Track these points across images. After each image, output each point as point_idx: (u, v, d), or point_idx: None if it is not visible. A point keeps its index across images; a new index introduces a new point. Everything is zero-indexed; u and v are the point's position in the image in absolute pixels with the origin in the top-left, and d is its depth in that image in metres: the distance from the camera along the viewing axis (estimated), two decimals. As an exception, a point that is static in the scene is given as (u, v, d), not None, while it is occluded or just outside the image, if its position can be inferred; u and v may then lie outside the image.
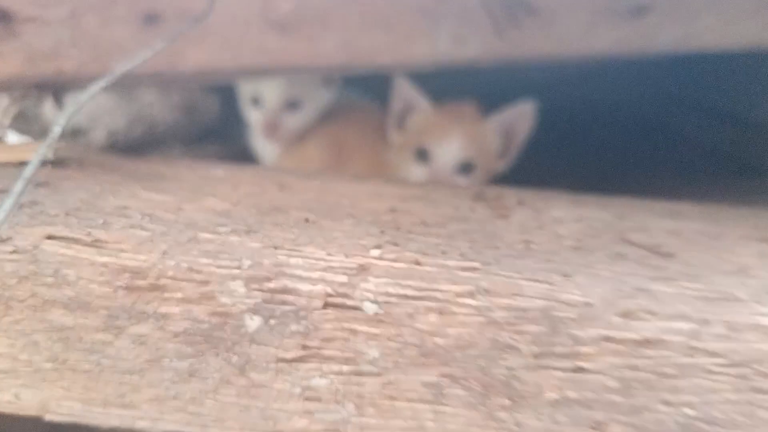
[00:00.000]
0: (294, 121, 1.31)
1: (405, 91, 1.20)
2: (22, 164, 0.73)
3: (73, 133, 1.65)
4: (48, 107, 1.38)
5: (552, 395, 0.49)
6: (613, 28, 1.17)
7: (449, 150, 1.16)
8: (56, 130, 0.66)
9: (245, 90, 1.34)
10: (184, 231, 0.55)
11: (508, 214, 0.68)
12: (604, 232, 0.65)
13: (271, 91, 1.28)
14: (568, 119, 1.90)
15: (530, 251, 0.58)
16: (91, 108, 1.69)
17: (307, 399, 0.51)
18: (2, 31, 0.87)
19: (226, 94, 1.72)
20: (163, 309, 0.52)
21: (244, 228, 0.57)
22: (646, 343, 0.49)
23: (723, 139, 2.03)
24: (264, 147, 1.44)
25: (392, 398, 0.51)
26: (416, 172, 1.18)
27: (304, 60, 1.01)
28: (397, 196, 0.73)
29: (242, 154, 1.84)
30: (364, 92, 1.53)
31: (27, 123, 1.69)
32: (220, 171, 0.77)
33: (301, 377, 0.51)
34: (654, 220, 0.70)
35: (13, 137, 1.42)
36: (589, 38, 1.16)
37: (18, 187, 0.53)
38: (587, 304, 0.50)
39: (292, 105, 1.29)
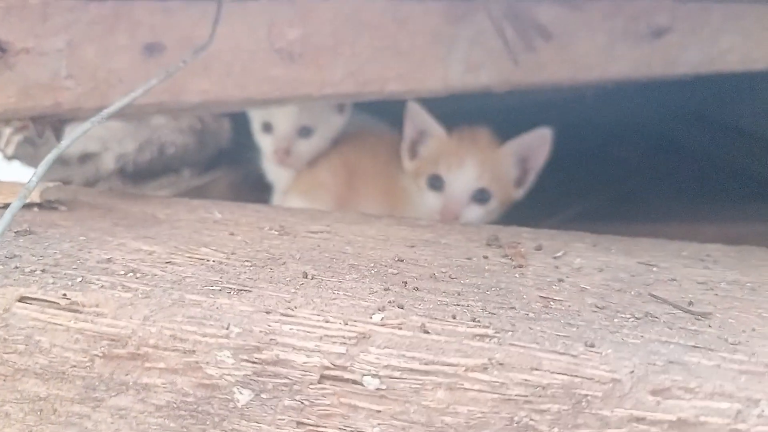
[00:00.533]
0: (306, 147, 1.28)
1: (418, 117, 1.17)
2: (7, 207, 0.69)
3: (82, 158, 1.63)
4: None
5: (575, 482, 0.44)
6: (632, 50, 1.13)
7: (464, 178, 1.12)
8: (40, 170, 0.62)
9: (257, 115, 1.31)
10: (169, 291, 0.50)
11: (524, 264, 0.62)
12: (630, 285, 0.59)
13: (283, 118, 1.25)
14: (584, 137, 1.84)
15: (550, 311, 0.52)
16: (100, 132, 1.67)
17: (303, 480, 0.46)
18: (-5, 63, 0.83)
19: (238, 116, 1.70)
20: (145, 380, 0.47)
21: (235, 286, 0.52)
22: (683, 425, 0.43)
23: (745, 158, 1.97)
24: (276, 172, 1.41)
25: (396, 481, 0.45)
26: (430, 200, 1.14)
27: (311, 89, 0.98)
28: (405, 241, 0.68)
29: (255, 178, 1.80)
30: (377, 115, 1.49)
31: (35, 149, 1.66)
32: (218, 213, 0.72)
33: (296, 456, 0.46)
34: (684, 269, 0.64)
35: (16, 167, 1.39)
36: (607, 61, 1.12)
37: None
38: (614, 380, 0.44)
39: (304, 131, 1.26)
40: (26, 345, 0.48)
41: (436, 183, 1.13)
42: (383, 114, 1.47)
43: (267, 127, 1.27)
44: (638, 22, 1.11)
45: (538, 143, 1.14)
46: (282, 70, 0.95)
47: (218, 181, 1.73)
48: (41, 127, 0.93)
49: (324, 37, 0.95)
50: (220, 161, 1.87)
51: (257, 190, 1.83)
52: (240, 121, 1.77)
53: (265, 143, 1.29)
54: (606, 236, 0.76)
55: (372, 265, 0.59)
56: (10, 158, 1.33)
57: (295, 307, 0.49)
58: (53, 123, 0.96)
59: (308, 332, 0.47)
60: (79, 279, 0.51)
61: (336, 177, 1.36)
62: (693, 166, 2.07)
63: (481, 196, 1.13)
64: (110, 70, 0.86)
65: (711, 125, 2.09)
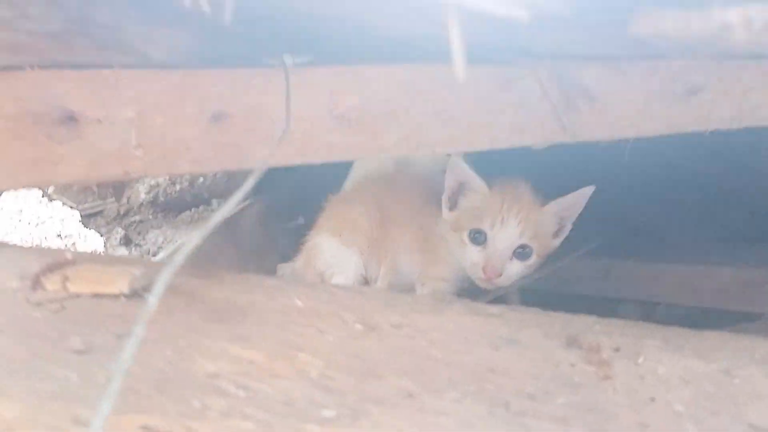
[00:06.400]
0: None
1: (460, 170, 1.19)
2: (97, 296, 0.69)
3: (115, 188, 1.63)
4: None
5: None
6: (667, 108, 1.15)
7: (508, 235, 1.15)
8: (159, 288, 0.58)
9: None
10: (287, 418, 0.51)
11: (611, 374, 0.64)
12: (721, 404, 0.60)
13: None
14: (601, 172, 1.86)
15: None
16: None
17: None
18: (68, 133, 0.84)
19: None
20: None
21: (347, 410, 0.53)
22: None
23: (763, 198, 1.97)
24: None
25: None
26: (473, 254, 1.17)
27: (366, 152, 0.99)
28: (485, 339, 0.68)
29: (280, 207, 1.81)
30: None
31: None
32: (298, 301, 0.73)
33: None
34: (765, 379, 0.66)
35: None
36: (643, 120, 1.14)
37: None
38: None
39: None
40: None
41: (478, 237, 1.16)
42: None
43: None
44: (675, 81, 1.13)
45: (579, 201, 1.18)
46: (339, 136, 0.96)
47: (247, 211, 1.73)
48: (104, 190, 0.94)
49: (380, 103, 0.97)
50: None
51: (283, 218, 1.84)
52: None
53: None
54: (672, 329, 0.76)
55: (467, 377, 0.60)
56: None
57: (412, 440, 0.50)
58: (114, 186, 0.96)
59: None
60: (197, 403, 0.52)
61: (369, 219, 1.37)
62: (708, 202, 2.08)
63: (522, 252, 1.16)
64: (177, 138, 0.87)
65: (730, 163, 2.10)
